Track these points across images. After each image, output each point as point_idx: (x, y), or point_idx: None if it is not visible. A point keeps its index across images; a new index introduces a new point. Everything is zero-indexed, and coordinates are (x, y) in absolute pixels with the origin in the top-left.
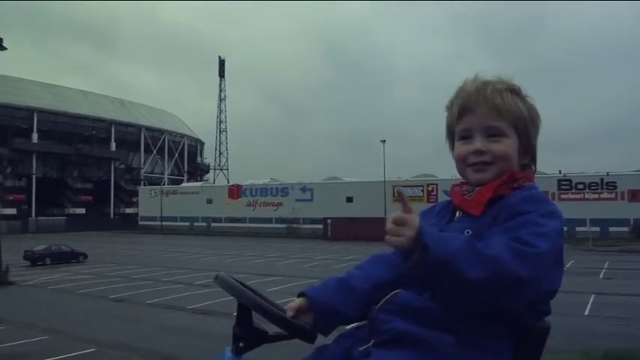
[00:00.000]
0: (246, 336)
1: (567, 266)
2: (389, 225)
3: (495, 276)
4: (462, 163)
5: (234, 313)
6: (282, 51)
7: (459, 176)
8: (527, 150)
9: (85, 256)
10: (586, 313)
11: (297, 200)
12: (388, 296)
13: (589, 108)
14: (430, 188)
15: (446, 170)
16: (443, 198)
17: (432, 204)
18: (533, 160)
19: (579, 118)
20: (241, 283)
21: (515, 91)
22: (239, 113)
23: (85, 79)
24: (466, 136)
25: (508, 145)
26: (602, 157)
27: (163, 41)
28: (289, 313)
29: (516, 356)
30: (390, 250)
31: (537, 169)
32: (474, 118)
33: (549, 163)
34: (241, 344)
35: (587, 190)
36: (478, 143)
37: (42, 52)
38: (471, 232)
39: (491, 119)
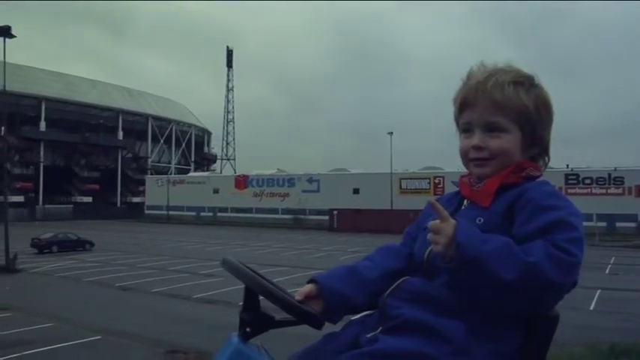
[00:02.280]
0: (253, 321)
1: None
2: (429, 235)
3: (531, 281)
4: (464, 157)
5: (240, 302)
6: (295, 40)
7: (465, 169)
8: (534, 142)
9: (92, 245)
10: (591, 308)
11: (303, 191)
12: (397, 282)
13: (604, 100)
14: (437, 181)
15: (453, 163)
16: (450, 190)
17: (439, 196)
18: (545, 151)
19: (594, 111)
20: (249, 268)
21: (519, 83)
22: (249, 103)
23: (95, 66)
24: (467, 130)
25: (507, 141)
26: (615, 151)
27: (175, 28)
28: (298, 298)
29: (525, 345)
30: (399, 241)
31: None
32: (474, 113)
33: (560, 156)
34: (248, 329)
35: (594, 185)
36: (476, 139)
37: (51, 37)
38: (482, 220)
39: (491, 114)
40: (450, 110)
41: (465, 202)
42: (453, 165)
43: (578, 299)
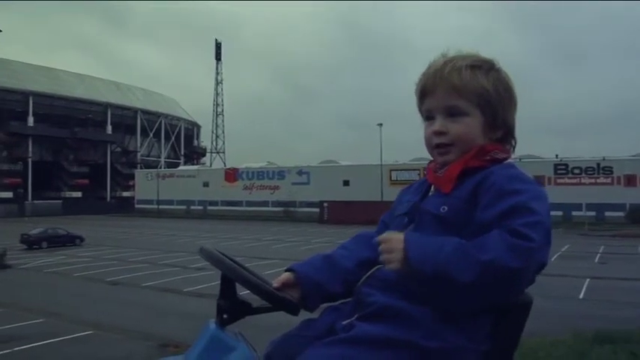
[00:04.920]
0: (230, 308)
1: (563, 250)
2: (381, 253)
3: (490, 278)
4: (428, 145)
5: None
6: (294, 29)
7: None
8: (496, 125)
9: (82, 240)
10: (580, 296)
11: (293, 184)
12: (371, 271)
13: (602, 89)
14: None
15: None
16: None
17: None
18: (511, 134)
19: (592, 100)
20: (226, 256)
21: (477, 66)
22: (241, 94)
23: (84, 56)
24: (430, 117)
25: (467, 125)
26: (609, 141)
27: (169, 18)
28: (275, 285)
29: (497, 330)
30: (374, 229)
31: (532, 153)
32: (434, 100)
33: (558, 146)
34: (225, 316)
35: (583, 175)
36: (437, 124)
37: (39, 25)
38: (446, 209)
39: (450, 99)
40: None
41: (432, 188)
42: None
43: (567, 288)
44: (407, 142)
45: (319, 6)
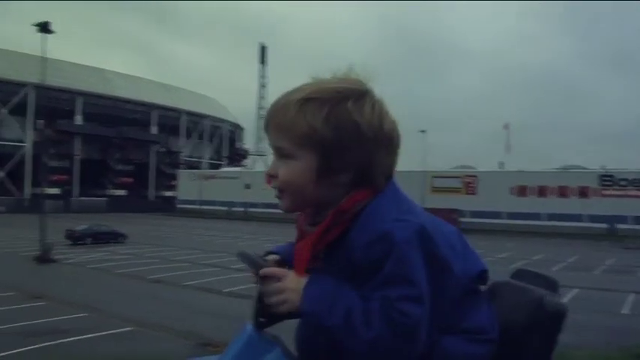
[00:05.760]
0: (267, 311)
1: (607, 264)
2: (273, 299)
3: (375, 355)
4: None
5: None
6: (341, 32)
7: (498, 169)
8: (337, 168)
9: (125, 237)
10: (624, 311)
11: None
12: None
13: None
14: (469, 180)
15: (486, 162)
16: (482, 191)
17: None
18: (367, 175)
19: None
20: (264, 260)
21: (311, 100)
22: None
23: (133, 55)
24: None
25: (293, 170)
26: None
27: (218, 19)
28: None
29: (527, 344)
30: None
31: (577, 163)
32: (268, 137)
33: (605, 156)
34: (262, 319)
35: (629, 187)
36: (270, 167)
37: (90, 25)
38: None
39: (276, 139)
40: (488, 107)
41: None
42: (486, 164)
43: (611, 303)
44: (449, 149)
45: (365, 6)
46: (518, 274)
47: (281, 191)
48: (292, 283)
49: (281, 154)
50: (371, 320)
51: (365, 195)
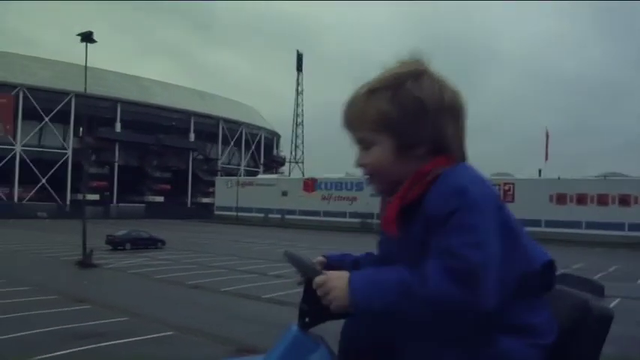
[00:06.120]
0: (313, 312)
1: None
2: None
3: (439, 311)
4: None
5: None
6: (377, 35)
7: (537, 176)
8: (412, 144)
9: (163, 243)
10: None
11: (371, 195)
12: None
13: None
14: (507, 187)
15: (524, 169)
16: (520, 198)
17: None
18: (440, 145)
19: None
20: (310, 261)
21: (375, 90)
22: (323, 103)
23: (171, 62)
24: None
25: (375, 155)
26: None
27: (254, 26)
28: None
29: (573, 348)
30: None
31: (619, 171)
32: (348, 133)
33: None
34: (307, 320)
35: None
36: (356, 158)
37: (128, 33)
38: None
39: (355, 132)
40: (525, 112)
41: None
42: (524, 171)
43: None
44: (486, 156)
45: (401, 5)
46: (563, 279)
47: (371, 176)
48: (336, 281)
49: (362, 144)
50: (426, 277)
51: (443, 161)
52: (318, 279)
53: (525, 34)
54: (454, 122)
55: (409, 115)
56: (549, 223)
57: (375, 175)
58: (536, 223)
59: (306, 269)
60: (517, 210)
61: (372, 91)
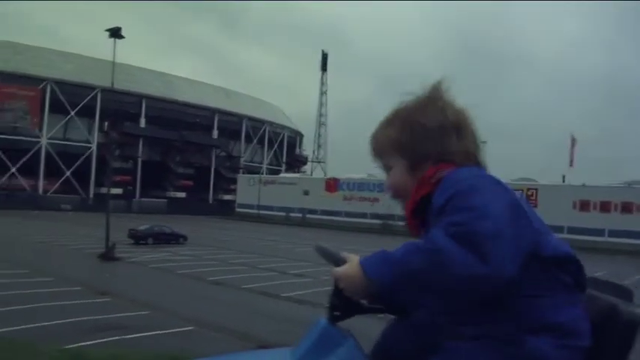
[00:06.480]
0: (342, 306)
1: None
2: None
3: (442, 267)
4: None
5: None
6: (403, 35)
7: (560, 182)
8: (420, 160)
9: (185, 239)
10: None
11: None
12: None
13: None
14: (530, 193)
15: (548, 174)
16: (543, 204)
17: None
18: (448, 158)
19: None
20: (340, 254)
21: (389, 122)
22: (347, 103)
23: (196, 58)
24: None
25: (393, 176)
26: None
27: (282, 25)
28: None
29: (601, 352)
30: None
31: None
32: (376, 162)
33: None
34: (337, 313)
35: None
36: (385, 185)
37: (156, 29)
38: None
39: (378, 160)
40: (550, 117)
41: None
42: (548, 177)
43: None
44: (510, 160)
45: (428, 7)
46: (591, 283)
47: (394, 195)
48: (349, 269)
49: (386, 169)
50: (432, 237)
51: (446, 167)
52: (334, 272)
53: (553, 37)
54: (460, 138)
55: (414, 138)
56: (572, 230)
57: (397, 193)
58: (558, 229)
59: (337, 262)
60: (540, 215)
61: (387, 123)
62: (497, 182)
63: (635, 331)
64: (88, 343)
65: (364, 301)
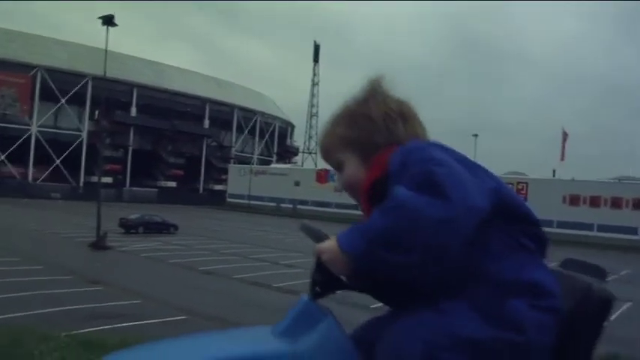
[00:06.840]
0: (323, 282)
1: None
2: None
3: (411, 213)
4: None
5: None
6: (398, 29)
7: (550, 176)
8: (371, 150)
9: (176, 228)
10: None
11: None
12: None
13: None
14: (520, 187)
15: (539, 169)
16: (533, 198)
17: None
18: (398, 143)
19: None
20: (324, 233)
21: (335, 121)
22: (340, 95)
23: (188, 47)
24: None
25: (346, 173)
26: None
27: (275, 14)
28: None
29: (575, 330)
30: None
31: (633, 175)
32: (327, 162)
33: None
34: (318, 289)
35: None
36: (336, 185)
37: (146, 17)
38: None
39: (329, 159)
40: (543, 112)
41: None
42: (539, 171)
43: None
44: (502, 154)
45: (425, 6)
46: (567, 264)
47: (350, 193)
48: (329, 243)
49: (337, 168)
50: (395, 194)
51: (397, 148)
52: (316, 247)
53: (549, 35)
54: (404, 124)
55: (361, 129)
56: (561, 224)
57: (352, 187)
58: (548, 223)
59: (320, 239)
60: None
61: (333, 122)
62: (448, 147)
63: (608, 308)
64: (82, 331)
65: (344, 278)
